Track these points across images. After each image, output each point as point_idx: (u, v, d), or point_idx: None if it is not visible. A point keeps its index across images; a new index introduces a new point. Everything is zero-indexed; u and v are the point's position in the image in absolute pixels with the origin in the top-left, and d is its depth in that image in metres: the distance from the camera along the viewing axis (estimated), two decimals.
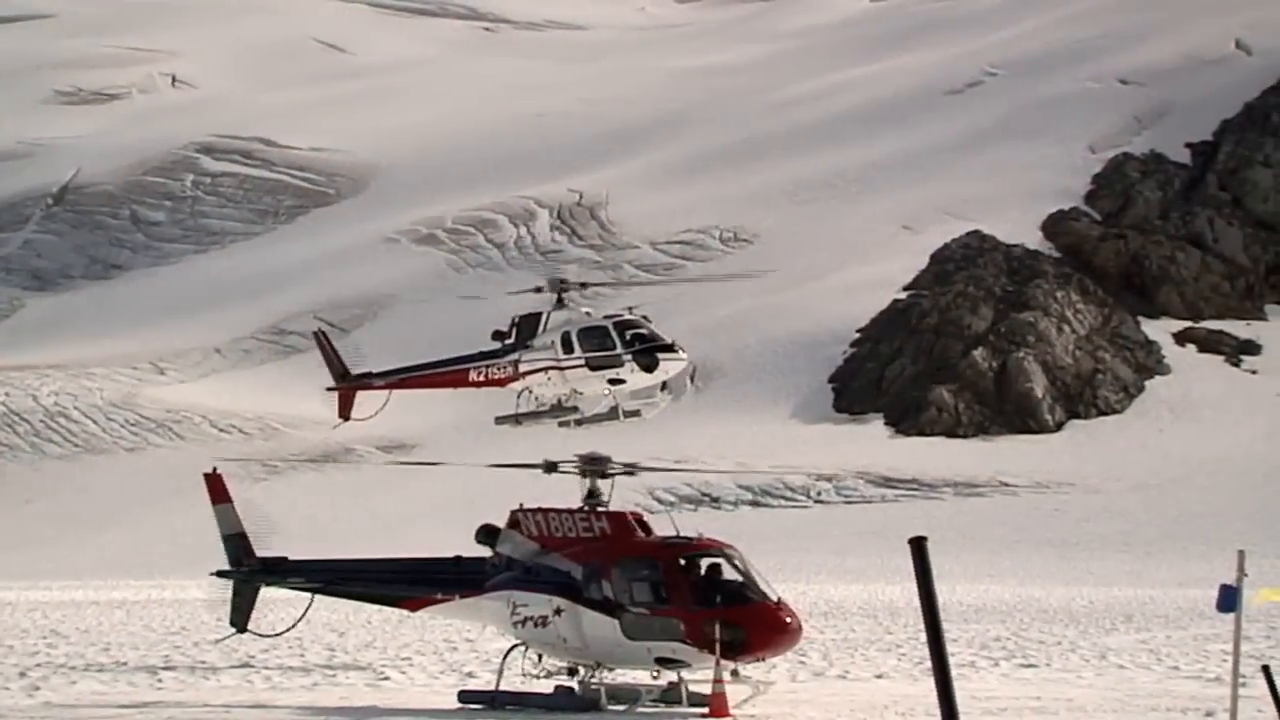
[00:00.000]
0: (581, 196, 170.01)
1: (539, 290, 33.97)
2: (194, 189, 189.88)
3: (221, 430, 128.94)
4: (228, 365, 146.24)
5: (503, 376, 33.47)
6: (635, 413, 33.12)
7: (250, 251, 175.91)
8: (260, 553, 34.35)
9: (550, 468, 32.01)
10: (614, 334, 32.17)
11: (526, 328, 33.28)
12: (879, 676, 36.37)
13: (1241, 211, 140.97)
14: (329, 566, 34.98)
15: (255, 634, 35.15)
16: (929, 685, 22.67)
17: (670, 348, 32.31)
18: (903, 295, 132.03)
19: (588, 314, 32.86)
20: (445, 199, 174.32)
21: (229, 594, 34.29)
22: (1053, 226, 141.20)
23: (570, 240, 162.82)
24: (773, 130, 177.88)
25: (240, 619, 34.18)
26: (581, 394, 32.74)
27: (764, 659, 30.73)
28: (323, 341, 36.04)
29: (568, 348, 32.37)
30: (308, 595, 34.84)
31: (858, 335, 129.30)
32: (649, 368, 32.08)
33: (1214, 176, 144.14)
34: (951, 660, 22.59)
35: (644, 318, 32.64)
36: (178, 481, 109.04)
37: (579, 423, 33.20)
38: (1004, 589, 67.26)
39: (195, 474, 37.12)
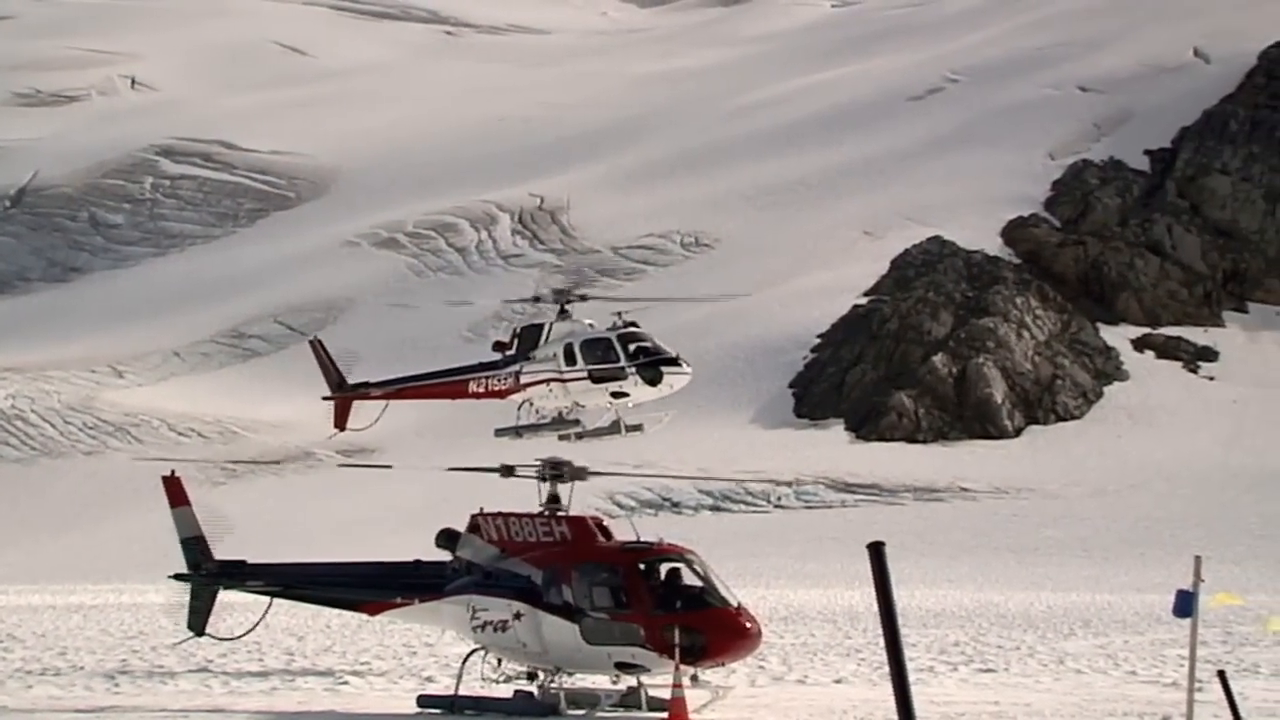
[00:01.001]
0: (543, 200, 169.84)
1: (538, 299, 33.48)
2: (153, 192, 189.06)
3: (180, 434, 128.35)
4: (186, 369, 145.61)
5: (503, 388, 32.92)
6: (637, 426, 32.61)
7: (210, 255, 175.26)
8: (219, 556, 34.25)
9: (508, 471, 31.87)
10: (617, 346, 31.65)
11: (528, 338, 32.68)
12: (838, 681, 36.39)
13: (1200, 218, 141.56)
14: (288, 570, 34.86)
15: (213, 638, 35.02)
16: (888, 690, 22.70)
17: (675, 361, 31.85)
18: (863, 300, 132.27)
19: (590, 325, 32.30)
20: (406, 203, 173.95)
21: (187, 597, 34.20)
22: (1012, 233, 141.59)
23: (531, 244, 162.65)
24: (734, 135, 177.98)
25: (198, 623, 34.08)
26: (583, 407, 32.25)
27: (723, 664, 30.77)
28: (319, 350, 35.39)
29: (570, 360, 31.82)
30: (266, 599, 34.76)
31: (818, 340, 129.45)
32: (653, 381, 31.60)
33: (1173, 183, 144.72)
34: (910, 665, 22.62)
35: (632, 323, 32.22)
36: (136, 485, 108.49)
37: (580, 436, 32.67)
38: (963, 594, 67.37)
39: (153, 478, 36.92)
